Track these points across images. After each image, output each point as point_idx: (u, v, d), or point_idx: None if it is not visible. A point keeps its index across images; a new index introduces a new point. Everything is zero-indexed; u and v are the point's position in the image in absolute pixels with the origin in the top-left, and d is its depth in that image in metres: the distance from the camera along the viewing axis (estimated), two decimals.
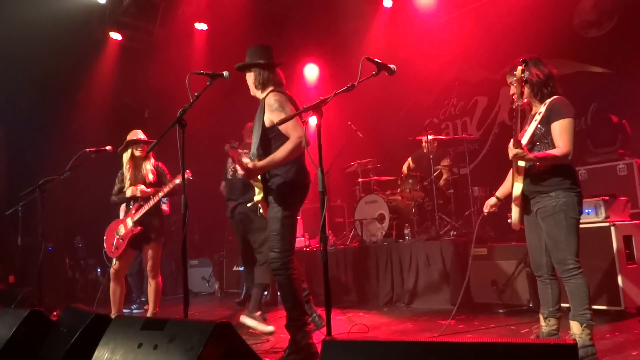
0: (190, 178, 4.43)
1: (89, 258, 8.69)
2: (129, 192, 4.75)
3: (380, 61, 2.94)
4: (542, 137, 2.99)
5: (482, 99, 7.47)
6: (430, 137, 6.21)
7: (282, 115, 3.20)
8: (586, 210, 4.24)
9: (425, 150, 6.46)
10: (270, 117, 3.33)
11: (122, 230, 4.74)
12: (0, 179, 8.26)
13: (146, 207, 4.65)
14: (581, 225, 4.06)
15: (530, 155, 2.88)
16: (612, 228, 4.03)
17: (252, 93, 3.60)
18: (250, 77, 3.53)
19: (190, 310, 3.12)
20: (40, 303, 4.67)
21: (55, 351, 2.67)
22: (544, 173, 2.97)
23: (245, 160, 3.49)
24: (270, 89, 3.46)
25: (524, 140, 3.02)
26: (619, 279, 3.96)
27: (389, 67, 2.95)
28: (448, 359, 1.60)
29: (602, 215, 4.15)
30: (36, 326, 2.94)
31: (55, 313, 5.51)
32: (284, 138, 3.27)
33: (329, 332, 2.68)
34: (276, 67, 3.52)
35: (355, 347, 1.84)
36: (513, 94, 2.96)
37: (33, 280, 5.23)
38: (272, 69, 3.49)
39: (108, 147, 4.82)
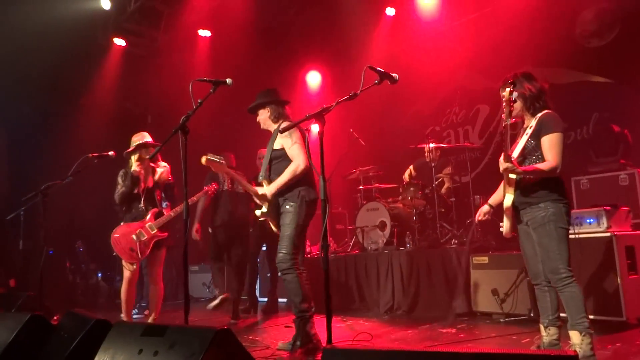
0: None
1: (90, 262, 8.70)
2: (134, 166, 4.70)
3: (383, 70, 2.96)
4: (533, 150, 3.08)
5: (484, 108, 7.48)
6: (432, 145, 6.22)
7: (290, 140, 3.80)
8: (588, 220, 4.24)
9: (427, 159, 6.46)
10: (281, 141, 3.88)
11: (142, 235, 4.62)
12: (2, 184, 8.29)
13: (172, 214, 4.67)
14: (583, 235, 4.13)
15: (520, 169, 2.98)
16: (614, 238, 4.02)
17: (263, 126, 4.14)
18: (264, 113, 4.07)
19: (191, 316, 3.11)
20: (41, 307, 4.66)
21: (56, 356, 2.66)
22: (534, 185, 3.05)
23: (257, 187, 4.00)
24: (282, 120, 4.03)
25: (516, 153, 3.13)
26: (621, 290, 3.94)
27: (392, 75, 2.98)
28: None
29: (604, 225, 4.15)
30: (36, 331, 2.93)
31: (55, 317, 5.50)
32: (288, 161, 3.82)
33: (329, 340, 2.68)
34: (285, 104, 4.11)
35: (356, 355, 1.83)
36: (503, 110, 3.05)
37: (34, 285, 5.24)
38: (283, 105, 4.10)
39: (111, 153, 4.80)
